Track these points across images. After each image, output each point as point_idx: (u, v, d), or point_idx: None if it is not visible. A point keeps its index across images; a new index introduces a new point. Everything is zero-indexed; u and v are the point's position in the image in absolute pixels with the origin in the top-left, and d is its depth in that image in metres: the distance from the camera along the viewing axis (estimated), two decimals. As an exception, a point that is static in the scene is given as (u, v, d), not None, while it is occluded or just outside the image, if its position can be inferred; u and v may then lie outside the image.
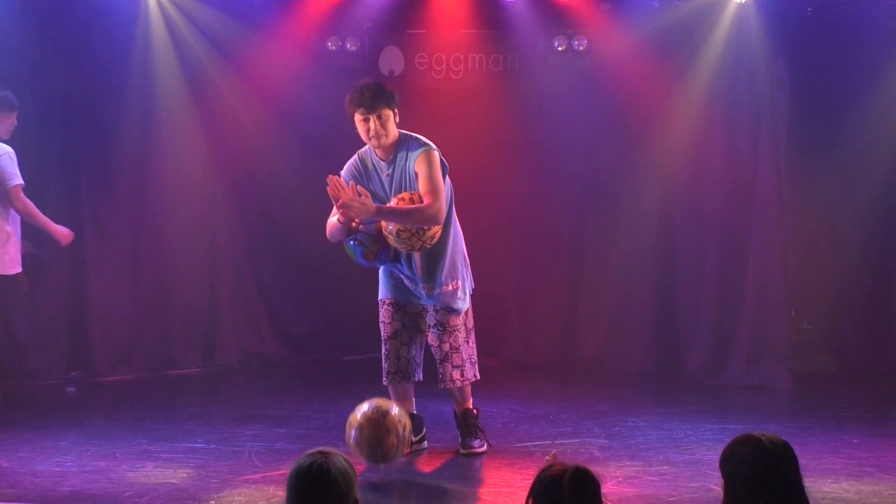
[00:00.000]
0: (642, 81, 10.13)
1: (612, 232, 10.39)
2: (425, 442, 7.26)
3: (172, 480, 6.46)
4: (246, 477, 6.56)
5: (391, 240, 6.73)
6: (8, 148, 8.63)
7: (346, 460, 3.45)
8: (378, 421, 6.27)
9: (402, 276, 6.98)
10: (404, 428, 6.34)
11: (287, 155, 10.66)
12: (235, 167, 10.59)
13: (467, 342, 7.06)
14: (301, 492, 3.39)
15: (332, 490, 3.37)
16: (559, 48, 10.40)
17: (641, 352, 10.23)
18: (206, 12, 10.20)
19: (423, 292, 6.91)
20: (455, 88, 10.68)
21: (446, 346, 6.93)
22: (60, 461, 6.87)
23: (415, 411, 7.15)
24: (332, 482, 3.38)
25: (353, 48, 10.59)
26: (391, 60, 10.74)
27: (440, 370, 6.96)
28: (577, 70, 10.45)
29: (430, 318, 6.95)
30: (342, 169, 7.10)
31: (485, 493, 6.34)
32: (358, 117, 6.82)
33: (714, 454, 7.06)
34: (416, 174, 6.74)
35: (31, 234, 9.25)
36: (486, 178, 10.53)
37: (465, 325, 7.05)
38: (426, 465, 6.94)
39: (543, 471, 3.33)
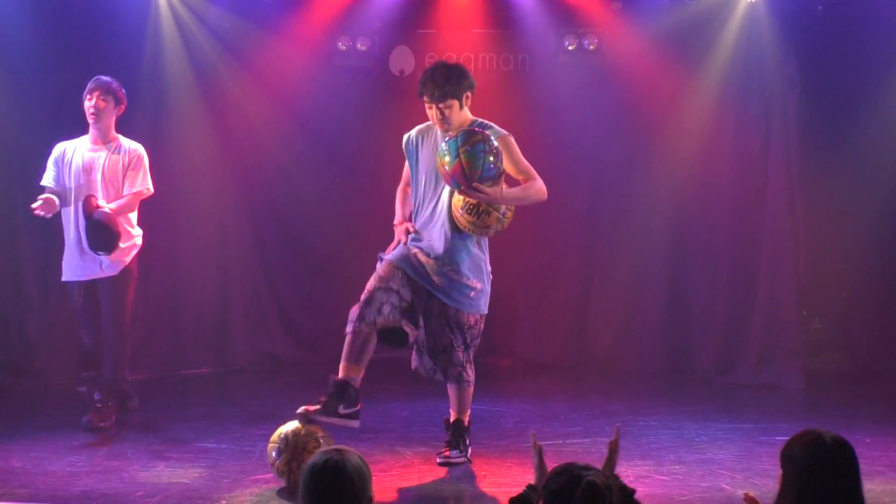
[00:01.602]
0: (653, 80, 10.12)
1: (623, 231, 10.38)
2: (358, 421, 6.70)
3: (184, 480, 6.47)
4: (257, 477, 6.57)
5: (466, 225, 6.62)
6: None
7: (361, 458, 3.46)
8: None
9: (424, 256, 6.76)
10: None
11: (298, 155, 10.66)
12: (246, 167, 10.59)
13: (469, 347, 6.90)
14: (316, 488, 3.39)
15: (347, 487, 3.38)
16: (570, 47, 10.39)
17: (652, 351, 10.23)
18: (216, 12, 10.21)
19: (442, 277, 6.70)
20: (465, 88, 10.66)
21: (446, 340, 6.79)
22: (72, 461, 6.89)
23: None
24: (347, 479, 3.38)
25: (364, 48, 10.59)
26: (401, 60, 10.74)
27: (441, 366, 6.85)
28: (587, 69, 10.44)
29: (436, 307, 6.76)
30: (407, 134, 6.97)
31: (496, 492, 6.34)
32: (426, 104, 6.76)
33: (725, 453, 7.12)
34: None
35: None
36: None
37: (476, 326, 6.90)
38: (437, 465, 6.93)
39: (554, 477, 3.29)
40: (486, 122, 6.88)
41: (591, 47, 10.37)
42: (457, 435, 6.97)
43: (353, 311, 6.78)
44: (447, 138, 6.53)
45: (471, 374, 6.92)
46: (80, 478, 6.51)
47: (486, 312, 6.97)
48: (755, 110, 9.73)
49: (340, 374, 6.75)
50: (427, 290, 6.75)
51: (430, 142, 6.85)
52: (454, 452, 6.92)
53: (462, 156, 6.35)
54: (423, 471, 6.79)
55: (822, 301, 10.36)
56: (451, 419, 7.02)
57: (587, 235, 10.58)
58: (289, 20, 10.38)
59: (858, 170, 9.95)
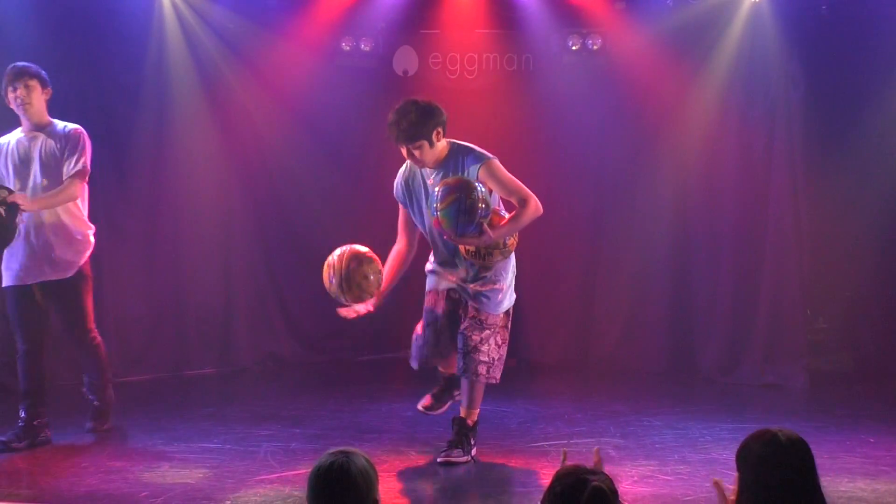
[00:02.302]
0: (656, 80, 10.12)
1: (627, 231, 10.38)
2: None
3: (188, 480, 6.48)
4: (261, 477, 6.57)
5: (476, 264, 6.81)
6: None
7: (367, 460, 3.47)
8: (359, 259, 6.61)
9: (452, 266, 6.95)
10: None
11: (301, 155, 10.67)
12: (250, 167, 10.60)
13: (500, 345, 6.96)
14: (321, 490, 3.40)
15: (353, 489, 3.39)
16: (573, 47, 10.39)
17: (657, 351, 10.23)
18: (220, 13, 10.22)
19: (468, 280, 6.87)
20: (469, 88, 10.67)
21: (476, 339, 6.84)
22: (77, 462, 6.90)
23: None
24: (353, 481, 3.39)
25: (368, 48, 10.60)
26: (405, 60, 10.74)
27: (463, 362, 6.87)
28: (591, 69, 10.44)
29: (470, 310, 6.89)
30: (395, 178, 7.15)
31: (500, 492, 6.33)
32: (400, 147, 6.84)
33: (730, 453, 7.05)
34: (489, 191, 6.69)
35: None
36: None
37: (504, 326, 6.98)
38: (443, 466, 6.93)
39: (560, 480, 3.27)
40: (467, 145, 6.92)
41: (595, 47, 10.38)
42: (461, 434, 6.99)
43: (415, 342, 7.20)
44: (436, 189, 6.59)
45: (497, 371, 6.95)
46: (84, 478, 6.52)
47: (512, 306, 7.07)
48: (759, 110, 9.72)
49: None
50: (460, 293, 6.97)
51: (415, 185, 6.97)
52: (456, 452, 6.94)
53: (439, 214, 6.50)
54: (429, 472, 6.80)
55: (826, 301, 10.35)
56: (460, 417, 7.05)
57: (591, 235, 10.58)
58: (292, 20, 10.38)
59: (862, 169, 9.95)
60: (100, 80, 9.78)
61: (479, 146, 6.92)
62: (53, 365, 9.45)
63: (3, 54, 9.19)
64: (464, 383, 6.97)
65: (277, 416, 8.29)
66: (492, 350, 6.88)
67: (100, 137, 9.77)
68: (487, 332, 6.86)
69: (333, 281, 6.61)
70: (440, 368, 7.28)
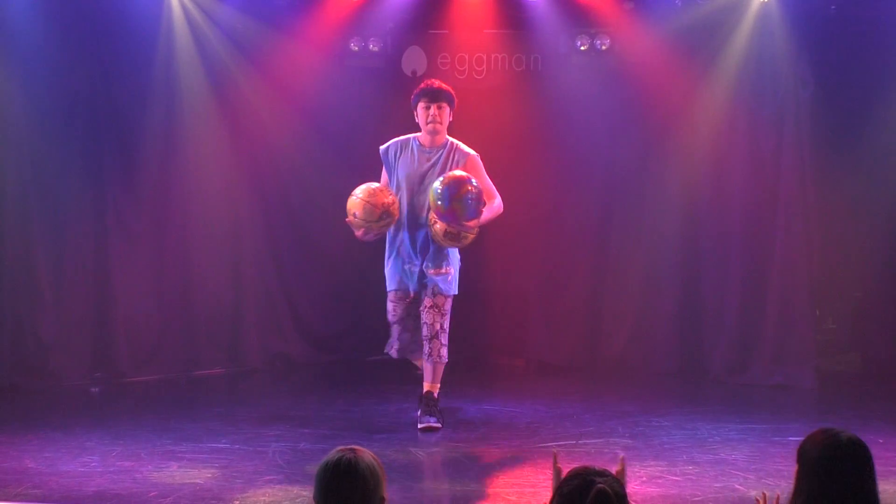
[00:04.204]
0: (665, 81, 10.10)
1: (636, 231, 10.37)
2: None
3: (197, 480, 6.48)
4: (270, 477, 6.58)
5: (446, 245, 7.81)
6: None
7: (374, 458, 3.48)
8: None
9: (406, 263, 7.94)
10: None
11: (310, 155, 10.67)
12: (258, 167, 10.61)
13: (447, 328, 7.93)
14: (329, 485, 3.41)
15: (360, 485, 3.39)
16: (582, 48, 10.38)
17: (665, 351, 10.21)
18: (228, 13, 10.22)
19: (422, 274, 7.86)
20: (478, 88, 10.66)
21: (437, 326, 7.83)
22: (85, 461, 6.91)
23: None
24: (360, 477, 3.40)
25: (376, 49, 10.60)
26: (414, 61, 10.74)
27: (428, 346, 7.84)
28: (599, 69, 10.42)
29: (427, 301, 7.85)
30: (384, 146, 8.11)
31: (509, 492, 6.34)
32: (422, 105, 7.91)
33: (739, 454, 7.11)
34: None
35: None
36: (509, 178, 10.45)
37: (450, 311, 7.92)
38: (450, 465, 6.94)
39: (568, 481, 3.27)
40: (456, 140, 7.99)
41: (604, 47, 10.36)
42: (431, 405, 7.89)
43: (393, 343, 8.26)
44: (441, 183, 7.55)
45: (447, 353, 7.95)
46: (93, 478, 6.53)
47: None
48: (768, 110, 9.70)
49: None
50: (415, 290, 7.95)
51: (406, 154, 7.98)
52: (433, 419, 7.85)
53: (454, 203, 7.47)
54: (436, 471, 6.80)
55: (836, 301, 10.34)
56: (427, 391, 7.93)
57: (600, 236, 10.56)
58: (301, 21, 10.38)
59: (871, 169, 9.93)
60: (109, 81, 9.79)
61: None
62: (59, 364, 9.51)
63: (13, 54, 9.25)
64: (427, 365, 7.91)
65: (286, 417, 8.29)
66: (447, 334, 7.91)
67: (109, 138, 9.84)
68: (445, 317, 7.87)
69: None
70: (413, 361, 8.36)
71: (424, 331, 7.88)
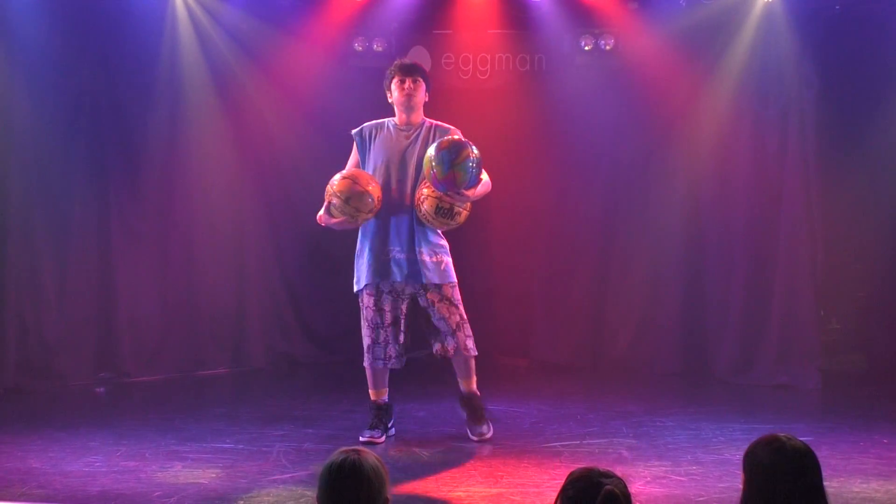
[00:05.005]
0: (669, 81, 10.10)
1: (640, 231, 10.37)
2: (393, 430, 7.70)
3: (201, 480, 6.49)
4: (274, 477, 6.58)
5: (436, 225, 7.30)
6: None
7: (378, 459, 3.48)
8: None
9: (387, 251, 7.41)
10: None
11: (314, 156, 10.66)
12: (262, 168, 10.62)
13: (465, 317, 7.45)
14: (333, 486, 3.41)
15: (364, 486, 3.39)
16: (586, 48, 10.38)
17: (669, 351, 10.21)
18: (232, 13, 10.23)
19: (413, 262, 7.34)
20: (481, 88, 10.67)
21: (455, 318, 7.35)
22: (90, 461, 6.91)
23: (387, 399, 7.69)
24: (364, 478, 3.40)
25: (380, 49, 10.60)
26: (418, 61, 10.71)
27: (452, 341, 7.35)
28: (603, 70, 10.43)
29: (432, 295, 7.36)
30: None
31: (513, 493, 6.33)
32: (396, 81, 7.54)
33: (743, 454, 7.09)
34: None
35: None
36: (513, 178, 10.51)
37: (460, 298, 7.44)
38: (454, 466, 6.93)
39: (573, 483, 3.27)
40: (438, 122, 7.56)
41: (608, 47, 10.36)
42: (477, 409, 7.55)
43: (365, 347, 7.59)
44: (437, 148, 7.10)
45: (473, 344, 7.48)
46: (97, 478, 6.53)
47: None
48: (772, 110, 9.70)
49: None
50: (404, 284, 7.41)
51: (382, 136, 7.55)
52: (484, 428, 7.53)
53: (455, 168, 7.01)
54: (440, 471, 6.80)
55: (840, 301, 10.33)
56: (465, 392, 7.56)
57: (603, 235, 10.56)
58: (305, 21, 10.39)
59: (876, 169, 9.93)
60: (112, 81, 9.80)
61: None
62: (64, 364, 9.52)
63: (16, 53, 9.25)
64: (457, 362, 7.46)
65: (290, 417, 8.30)
66: (467, 323, 7.40)
67: (112, 138, 9.85)
68: (458, 306, 7.38)
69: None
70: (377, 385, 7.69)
71: (443, 327, 7.37)
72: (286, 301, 10.80)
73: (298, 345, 10.80)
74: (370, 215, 7.33)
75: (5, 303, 9.18)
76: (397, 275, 7.38)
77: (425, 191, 7.24)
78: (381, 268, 7.41)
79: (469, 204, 7.35)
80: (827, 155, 9.77)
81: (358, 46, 10.58)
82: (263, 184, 10.63)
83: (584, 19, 10.36)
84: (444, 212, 7.20)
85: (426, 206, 7.22)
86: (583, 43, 10.37)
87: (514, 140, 10.57)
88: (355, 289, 7.57)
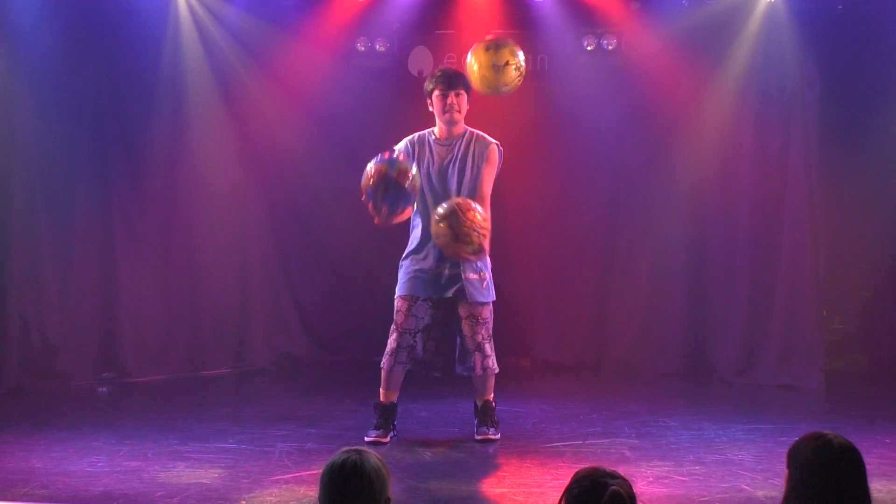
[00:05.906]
0: (672, 81, 10.10)
1: (642, 231, 10.37)
2: (395, 430, 7.62)
3: (203, 480, 6.48)
4: (277, 477, 6.58)
5: (443, 241, 7.00)
6: None
7: (379, 459, 3.48)
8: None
9: (427, 268, 7.37)
10: None
11: (316, 156, 10.68)
12: (265, 168, 10.62)
13: (492, 337, 7.47)
14: (334, 486, 3.41)
15: (366, 486, 3.40)
16: (588, 48, 10.38)
17: (672, 351, 10.20)
18: (235, 14, 10.23)
19: (453, 279, 7.30)
20: (483, 88, 10.65)
21: (478, 338, 7.36)
22: (92, 461, 6.91)
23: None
24: (366, 478, 3.40)
25: (382, 49, 10.60)
26: (420, 61, 10.73)
27: (471, 360, 7.39)
28: (606, 69, 10.42)
29: (463, 311, 7.36)
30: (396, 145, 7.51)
31: (515, 493, 6.33)
32: (437, 93, 7.39)
33: (745, 454, 7.10)
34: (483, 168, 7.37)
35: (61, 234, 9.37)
36: (516, 177, 10.47)
37: (490, 319, 7.44)
38: (457, 466, 6.94)
39: (578, 483, 3.26)
40: (477, 130, 7.50)
41: (610, 47, 10.36)
42: (488, 415, 7.55)
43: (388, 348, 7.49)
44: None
45: (494, 363, 7.51)
46: (99, 478, 6.53)
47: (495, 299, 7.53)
48: (775, 110, 9.69)
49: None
50: (445, 298, 7.37)
51: (424, 151, 7.44)
52: (491, 430, 7.51)
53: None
54: (442, 472, 6.79)
55: (843, 301, 10.33)
56: (479, 402, 7.58)
57: (606, 236, 10.56)
58: (307, 21, 10.39)
59: (878, 169, 9.93)
60: (115, 81, 9.80)
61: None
62: (67, 364, 9.52)
63: (19, 55, 9.25)
64: (476, 379, 7.48)
65: (293, 417, 8.29)
66: (490, 343, 7.42)
67: (115, 138, 9.85)
68: (484, 326, 7.38)
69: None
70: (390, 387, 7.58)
71: (466, 344, 7.38)
72: (289, 301, 10.80)
73: (301, 345, 10.79)
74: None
75: (8, 302, 9.18)
76: (438, 290, 7.37)
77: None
78: (421, 282, 7.39)
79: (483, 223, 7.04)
80: (829, 155, 9.78)
81: (360, 46, 10.59)
82: (266, 184, 10.63)
83: (587, 19, 10.36)
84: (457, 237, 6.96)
85: (440, 242, 7.05)
86: (585, 43, 10.37)
87: (516, 140, 10.52)
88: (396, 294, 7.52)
